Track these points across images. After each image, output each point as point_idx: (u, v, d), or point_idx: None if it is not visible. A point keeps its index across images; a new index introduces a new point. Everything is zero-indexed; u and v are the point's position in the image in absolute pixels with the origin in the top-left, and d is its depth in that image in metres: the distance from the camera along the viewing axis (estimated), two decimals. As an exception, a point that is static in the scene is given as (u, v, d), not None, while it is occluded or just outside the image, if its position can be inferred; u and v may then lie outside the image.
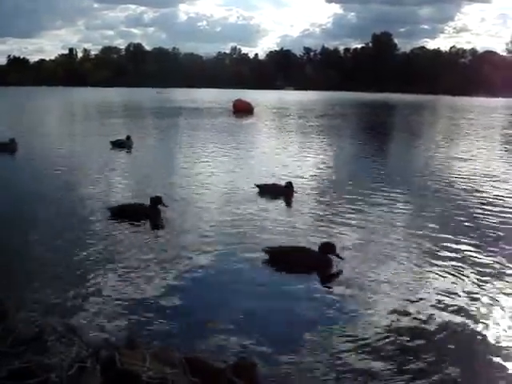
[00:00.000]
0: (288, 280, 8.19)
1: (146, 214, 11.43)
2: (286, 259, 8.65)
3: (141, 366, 4.07)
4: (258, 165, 19.52)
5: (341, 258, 8.57)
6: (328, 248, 8.63)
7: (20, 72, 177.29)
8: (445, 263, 8.80)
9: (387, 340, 6.19)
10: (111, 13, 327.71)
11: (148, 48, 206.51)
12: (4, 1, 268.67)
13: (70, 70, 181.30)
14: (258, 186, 14.35)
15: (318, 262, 8.64)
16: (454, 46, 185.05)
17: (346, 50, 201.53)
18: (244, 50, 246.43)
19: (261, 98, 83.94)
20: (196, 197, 13.84)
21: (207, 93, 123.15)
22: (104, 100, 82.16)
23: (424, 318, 6.79)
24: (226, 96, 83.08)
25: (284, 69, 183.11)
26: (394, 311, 6.95)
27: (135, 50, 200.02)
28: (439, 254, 9.32)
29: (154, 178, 16.30)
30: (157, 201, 11.49)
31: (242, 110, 50.46)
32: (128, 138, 23.73)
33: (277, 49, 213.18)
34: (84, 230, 10.49)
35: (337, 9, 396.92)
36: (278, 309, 7.04)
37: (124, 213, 11.38)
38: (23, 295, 7.06)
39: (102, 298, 7.19)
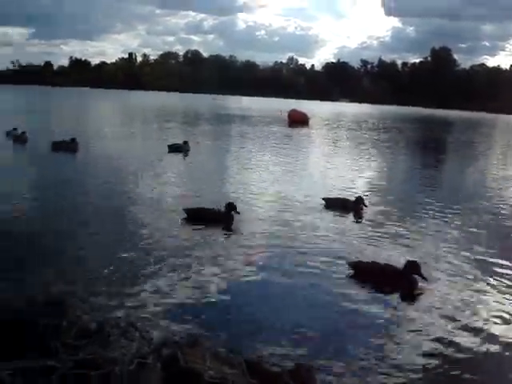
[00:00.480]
0: (367, 296, 8.04)
1: (220, 218, 11.60)
2: (370, 275, 8.53)
3: (202, 365, 4.14)
4: (315, 176, 19.55)
5: (425, 278, 8.35)
6: (413, 267, 8.42)
7: (81, 74, 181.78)
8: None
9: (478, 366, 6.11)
10: (172, 19, 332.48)
11: (206, 55, 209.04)
12: (67, 4, 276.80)
13: (129, 74, 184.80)
14: (324, 199, 14.09)
15: (402, 281, 8.43)
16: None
17: (404, 64, 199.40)
18: (301, 60, 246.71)
19: (316, 109, 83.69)
20: (262, 206, 13.81)
21: (262, 101, 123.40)
22: (161, 104, 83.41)
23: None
24: (281, 105, 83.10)
25: (340, 80, 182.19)
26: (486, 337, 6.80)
27: (193, 57, 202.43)
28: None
29: (212, 184, 16.45)
30: (231, 207, 11.68)
31: (297, 120, 50.28)
32: (185, 142, 24.11)
33: (334, 60, 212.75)
34: (155, 229, 10.82)
35: (396, 22, 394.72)
36: (348, 322, 7.01)
37: (199, 216, 11.63)
38: (88, 289, 7.28)
39: (165, 296, 7.35)
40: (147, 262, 8.71)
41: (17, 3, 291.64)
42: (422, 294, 8.23)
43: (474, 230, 12.44)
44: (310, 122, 51.22)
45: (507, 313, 7.53)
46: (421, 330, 6.86)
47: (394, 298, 8.11)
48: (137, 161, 20.76)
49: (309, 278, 8.47)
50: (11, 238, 9.60)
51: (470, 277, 8.98)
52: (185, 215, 11.78)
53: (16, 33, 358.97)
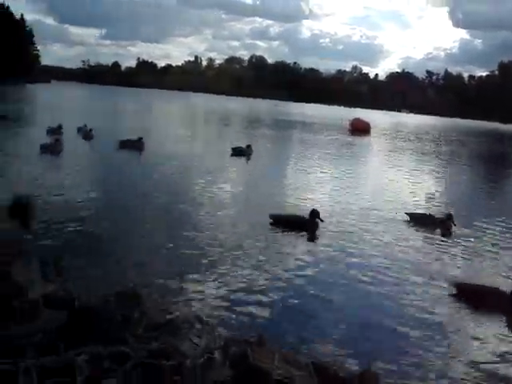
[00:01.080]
0: (472, 317, 7.71)
1: (304, 225, 11.56)
2: (474, 296, 8.10)
3: (270, 364, 4.20)
4: (383, 187, 19.07)
5: None
6: None
7: (148, 75, 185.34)
8: None
9: None
10: (238, 24, 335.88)
11: (270, 61, 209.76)
12: (135, 6, 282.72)
13: (194, 77, 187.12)
14: (408, 214, 13.62)
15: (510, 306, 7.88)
16: None
17: (471, 76, 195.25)
18: (365, 69, 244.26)
19: (378, 119, 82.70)
20: (340, 215, 13.39)
21: (324, 109, 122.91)
22: (224, 108, 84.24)
23: None
24: (343, 114, 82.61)
25: (403, 91, 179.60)
26: None
27: (257, 62, 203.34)
28: None
29: (280, 190, 16.50)
30: (315, 214, 11.65)
31: (360, 129, 49.97)
32: (248, 146, 24.32)
33: (398, 70, 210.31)
34: (237, 232, 10.98)
35: (463, 34, 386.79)
36: (437, 339, 6.80)
37: (284, 222, 11.67)
38: (160, 283, 7.52)
39: (235, 293, 7.50)
40: (223, 260, 8.90)
41: (90, 4, 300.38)
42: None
43: None
44: (372, 131, 50.79)
45: None
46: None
47: (501, 322, 7.70)
48: (201, 162, 21.05)
49: (398, 290, 8.36)
50: (83, 234, 9.91)
51: None
52: (270, 220, 11.74)
53: (88, 33, 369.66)
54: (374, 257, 10.02)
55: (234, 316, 6.74)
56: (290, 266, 9.08)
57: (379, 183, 20.17)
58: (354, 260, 9.76)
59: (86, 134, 25.49)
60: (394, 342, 6.60)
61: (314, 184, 18.29)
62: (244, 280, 8.07)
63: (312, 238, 11.24)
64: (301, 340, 6.24)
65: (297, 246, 10.46)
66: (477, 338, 6.96)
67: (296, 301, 7.51)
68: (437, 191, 19.70)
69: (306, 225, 11.59)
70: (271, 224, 11.62)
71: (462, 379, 5.83)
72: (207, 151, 25.53)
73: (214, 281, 7.92)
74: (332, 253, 10.08)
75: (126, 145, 22.44)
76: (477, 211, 15.89)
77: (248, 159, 23.36)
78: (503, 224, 14.00)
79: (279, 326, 6.63)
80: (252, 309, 7.05)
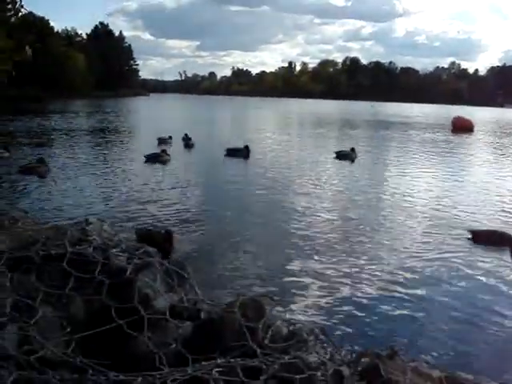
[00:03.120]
0: None
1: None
2: None
3: (403, 378, 4.02)
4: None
5: None
6: None
7: (243, 83, 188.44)
8: None
9: None
10: (330, 27, 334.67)
11: (364, 62, 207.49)
12: (231, 16, 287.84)
13: (288, 82, 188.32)
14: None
15: None
16: None
17: None
18: (463, 64, 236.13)
19: (480, 116, 79.81)
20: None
21: (423, 108, 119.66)
22: (320, 111, 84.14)
23: None
24: (443, 112, 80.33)
25: (506, 85, 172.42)
26: None
27: (351, 64, 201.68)
28: None
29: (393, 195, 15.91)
30: None
31: (462, 127, 48.15)
32: (352, 149, 24.02)
33: (499, 64, 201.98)
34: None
35: None
36: None
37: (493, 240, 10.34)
38: (282, 293, 7.42)
39: (357, 305, 7.30)
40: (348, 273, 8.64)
41: (184, 17, 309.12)
42: None
43: None
44: (475, 129, 49.04)
45: None
46: None
47: None
48: (306, 167, 21.03)
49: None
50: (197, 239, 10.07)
51: None
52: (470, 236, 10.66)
53: (184, 45, 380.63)
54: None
55: (358, 328, 6.56)
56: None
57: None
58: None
59: (187, 143, 26.32)
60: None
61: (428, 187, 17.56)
62: (364, 295, 7.80)
63: None
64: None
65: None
66: None
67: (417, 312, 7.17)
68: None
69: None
70: (471, 239, 10.61)
71: None
72: (311, 156, 25.06)
73: (335, 293, 7.70)
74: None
75: (233, 153, 22.98)
76: None
77: (352, 162, 23.01)
78: None
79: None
80: (375, 320, 6.82)
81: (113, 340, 4.60)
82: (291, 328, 4.93)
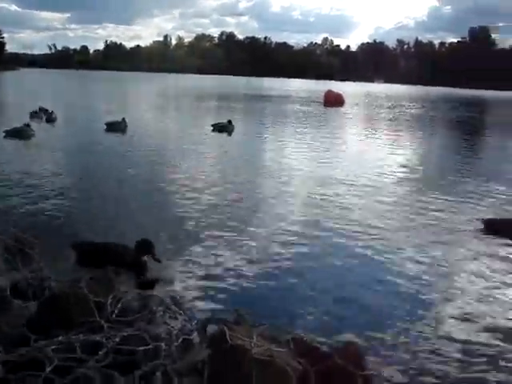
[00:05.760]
0: None
1: None
2: None
3: (248, 342, 4.02)
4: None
5: None
6: None
7: (116, 57, 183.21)
8: None
9: None
10: (206, 1, 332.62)
11: (240, 37, 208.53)
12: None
13: (163, 57, 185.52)
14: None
15: None
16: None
17: (442, 44, 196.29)
18: (336, 41, 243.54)
19: (351, 90, 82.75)
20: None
21: (297, 83, 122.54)
22: (197, 86, 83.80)
23: None
24: (316, 87, 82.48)
25: (375, 61, 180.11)
26: None
27: (228, 39, 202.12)
28: None
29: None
30: None
31: (334, 101, 49.83)
32: (229, 122, 23.98)
33: (369, 41, 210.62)
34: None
35: (432, 1, 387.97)
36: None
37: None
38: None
39: (211, 273, 7.11)
40: (198, 242, 8.40)
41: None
42: None
43: None
44: (346, 102, 50.78)
45: None
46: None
47: None
48: (184, 140, 20.72)
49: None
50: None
51: None
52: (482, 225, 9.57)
53: (54, 17, 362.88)
54: None
55: (209, 296, 6.41)
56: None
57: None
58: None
59: (48, 116, 25.07)
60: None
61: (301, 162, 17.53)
62: (217, 258, 7.69)
63: None
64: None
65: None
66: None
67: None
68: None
69: None
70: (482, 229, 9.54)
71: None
72: (188, 129, 24.81)
73: (188, 261, 7.49)
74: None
75: (110, 127, 22.20)
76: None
77: (229, 135, 22.97)
78: None
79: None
80: (225, 286, 6.73)
81: None
82: (141, 301, 4.77)
